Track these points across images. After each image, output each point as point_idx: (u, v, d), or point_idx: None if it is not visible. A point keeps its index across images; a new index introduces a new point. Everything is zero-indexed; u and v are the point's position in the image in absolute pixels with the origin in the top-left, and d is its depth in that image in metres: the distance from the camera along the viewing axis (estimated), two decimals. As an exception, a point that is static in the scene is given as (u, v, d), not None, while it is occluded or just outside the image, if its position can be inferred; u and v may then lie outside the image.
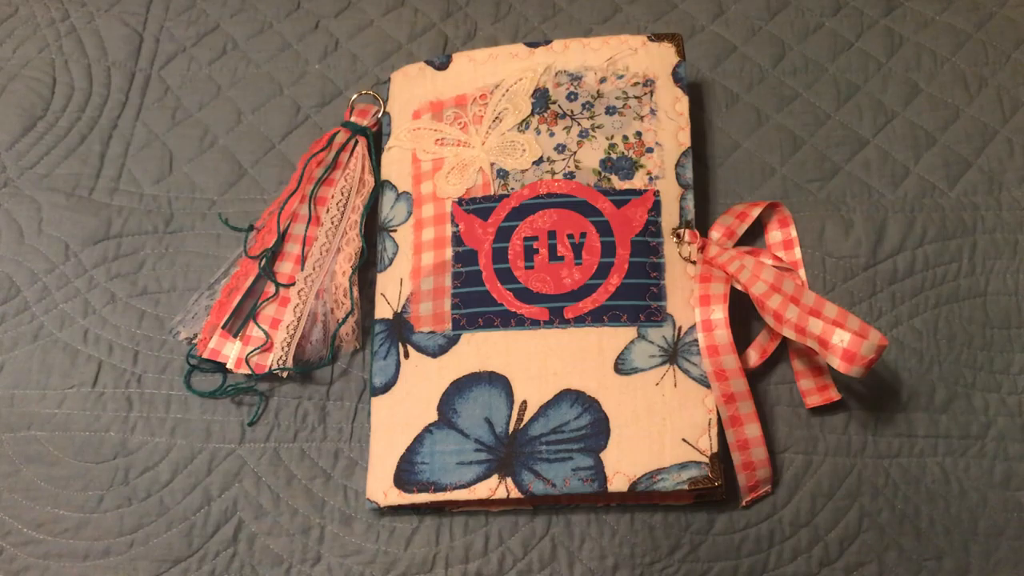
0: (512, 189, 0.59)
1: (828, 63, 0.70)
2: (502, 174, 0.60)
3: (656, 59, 0.62)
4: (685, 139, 0.61)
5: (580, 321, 0.56)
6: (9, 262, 0.64)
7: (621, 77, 0.62)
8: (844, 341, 0.50)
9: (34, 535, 0.57)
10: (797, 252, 0.62)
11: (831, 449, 0.57)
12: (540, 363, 0.55)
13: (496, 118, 0.61)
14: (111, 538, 0.57)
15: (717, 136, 0.67)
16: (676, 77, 0.62)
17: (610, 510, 0.56)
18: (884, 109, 0.68)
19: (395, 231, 0.61)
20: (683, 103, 0.61)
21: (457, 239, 0.59)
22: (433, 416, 0.56)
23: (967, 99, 0.68)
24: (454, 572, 0.56)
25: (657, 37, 0.63)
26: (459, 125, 0.62)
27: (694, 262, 0.58)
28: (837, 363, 0.51)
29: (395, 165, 0.63)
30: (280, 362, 0.59)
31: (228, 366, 0.59)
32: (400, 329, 0.58)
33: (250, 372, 0.59)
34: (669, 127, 0.60)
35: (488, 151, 0.61)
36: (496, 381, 0.55)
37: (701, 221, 0.63)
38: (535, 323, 0.56)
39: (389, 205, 0.62)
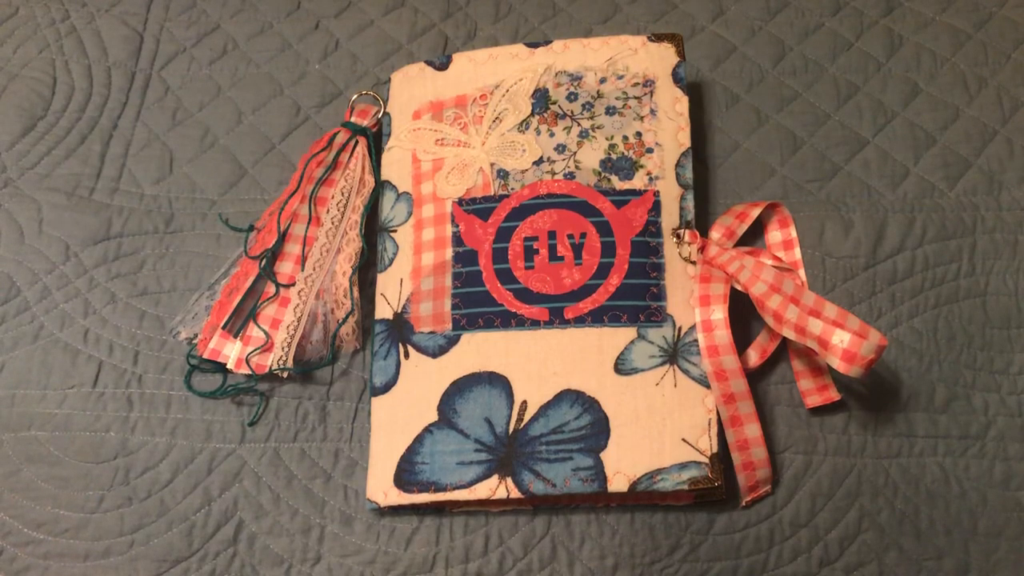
0: (512, 189, 0.59)
1: (828, 63, 0.70)
2: (502, 174, 0.60)
3: (656, 59, 0.62)
4: (685, 139, 0.60)
5: (580, 321, 0.56)
6: (10, 262, 0.64)
7: (621, 77, 0.62)
8: (844, 341, 0.50)
9: (35, 535, 0.57)
10: (797, 252, 0.62)
11: (831, 449, 0.57)
12: (540, 363, 0.55)
13: (496, 118, 0.61)
14: (112, 538, 0.57)
15: (717, 136, 0.67)
16: (676, 77, 0.62)
17: (610, 510, 0.56)
18: (884, 109, 0.68)
19: (395, 231, 0.61)
20: (683, 103, 0.61)
21: (457, 239, 0.59)
22: (433, 416, 0.56)
23: (967, 99, 0.68)
24: (454, 572, 0.56)
25: (657, 37, 0.63)
26: (459, 125, 0.62)
27: (694, 262, 0.58)
28: (837, 363, 0.51)
29: (395, 165, 0.63)
30: (280, 362, 0.59)
31: (228, 366, 0.59)
32: (400, 329, 0.58)
33: (250, 372, 0.59)
34: (669, 127, 0.60)
35: (488, 151, 0.61)
36: (496, 381, 0.55)
37: (701, 221, 0.63)
38: (535, 323, 0.56)
39: (389, 205, 0.62)
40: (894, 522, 0.56)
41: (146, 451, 0.59)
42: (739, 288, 0.56)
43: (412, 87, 0.64)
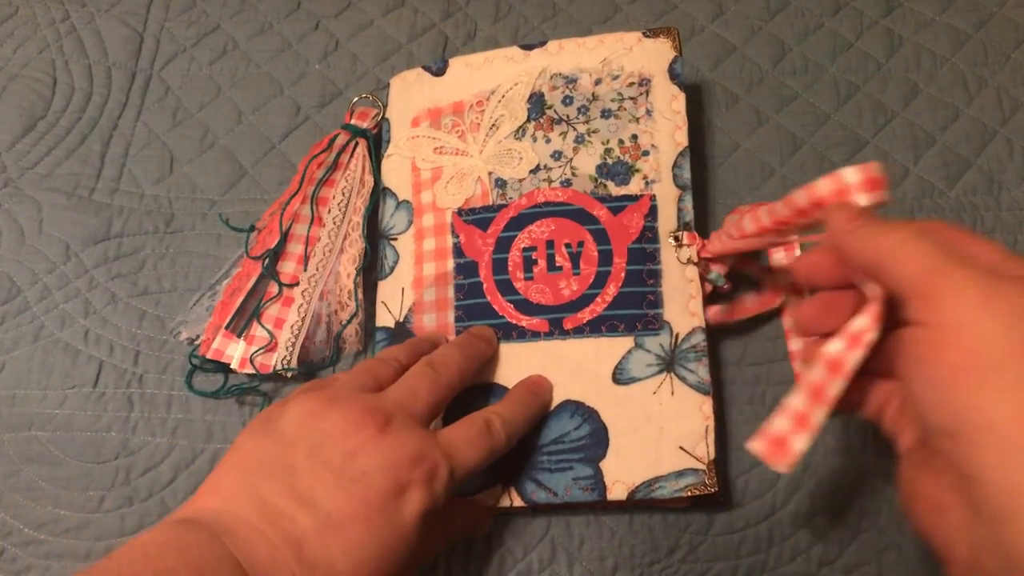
0: (510, 199, 0.59)
1: (828, 63, 0.70)
2: (500, 183, 0.59)
3: (652, 56, 0.61)
4: (682, 138, 0.59)
5: (579, 332, 0.55)
6: (10, 262, 0.64)
7: (616, 77, 0.61)
8: (853, 173, 0.44)
9: (35, 535, 0.57)
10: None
11: (831, 449, 0.58)
12: (541, 374, 0.55)
13: (493, 125, 0.61)
14: (113, 538, 0.57)
15: (717, 136, 0.67)
16: (672, 73, 0.60)
17: (609, 512, 0.57)
18: (884, 109, 0.68)
19: (396, 239, 0.61)
20: (680, 101, 0.60)
21: (458, 250, 0.58)
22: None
23: (967, 99, 0.68)
24: (455, 572, 0.56)
25: (653, 33, 0.62)
26: (457, 133, 0.62)
27: (695, 263, 0.57)
28: (864, 198, 0.45)
29: (395, 173, 0.63)
30: (284, 362, 0.59)
31: (232, 366, 0.59)
32: (403, 339, 0.58)
33: (254, 372, 0.59)
34: (666, 127, 0.59)
35: (486, 160, 0.60)
36: (499, 393, 0.55)
37: (701, 222, 0.63)
38: (535, 335, 0.56)
39: (389, 213, 0.62)
40: (894, 522, 0.56)
41: (147, 451, 0.59)
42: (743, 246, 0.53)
43: (410, 93, 0.64)
